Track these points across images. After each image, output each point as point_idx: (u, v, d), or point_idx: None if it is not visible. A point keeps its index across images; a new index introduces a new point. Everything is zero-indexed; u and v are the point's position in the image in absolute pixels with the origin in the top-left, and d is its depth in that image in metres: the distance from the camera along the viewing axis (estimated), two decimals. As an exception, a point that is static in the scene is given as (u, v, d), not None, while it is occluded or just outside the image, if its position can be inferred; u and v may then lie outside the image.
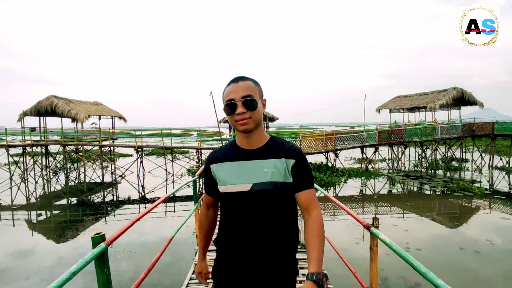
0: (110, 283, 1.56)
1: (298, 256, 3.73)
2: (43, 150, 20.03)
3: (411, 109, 25.55)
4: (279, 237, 1.21)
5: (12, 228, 9.73)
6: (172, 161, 19.46)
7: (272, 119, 25.90)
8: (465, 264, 6.33)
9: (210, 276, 1.36)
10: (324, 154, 17.92)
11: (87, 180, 17.97)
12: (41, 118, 21.61)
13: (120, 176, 18.51)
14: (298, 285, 3.06)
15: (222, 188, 1.25)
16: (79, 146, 20.56)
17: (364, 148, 18.05)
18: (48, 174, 18.94)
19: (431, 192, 13.24)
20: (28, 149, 19.51)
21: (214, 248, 1.34)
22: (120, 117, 25.38)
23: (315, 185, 3.71)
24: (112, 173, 19.07)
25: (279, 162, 1.21)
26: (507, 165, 18.76)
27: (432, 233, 8.27)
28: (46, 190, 15.57)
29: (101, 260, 1.52)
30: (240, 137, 1.26)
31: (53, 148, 22.97)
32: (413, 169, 19.20)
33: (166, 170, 18.92)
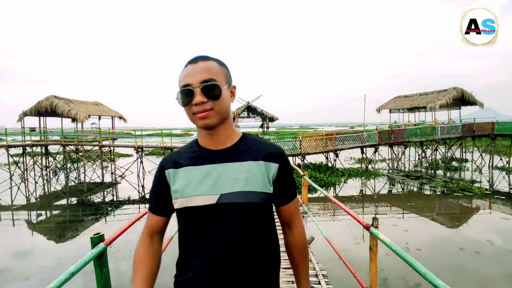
0: (109, 283, 1.56)
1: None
2: (43, 150, 20.02)
3: (411, 109, 25.55)
4: (260, 261, 0.95)
5: (12, 228, 9.73)
6: (172, 161, 19.41)
7: (272, 119, 25.89)
8: (465, 265, 6.33)
9: None
10: (324, 154, 17.92)
11: (87, 180, 17.97)
12: (41, 118, 21.60)
13: (120, 176, 18.51)
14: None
15: (178, 202, 0.94)
16: (79, 146, 20.56)
17: (364, 148, 18.04)
18: (48, 174, 18.94)
19: (431, 192, 13.24)
20: (28, 149, 19.51)
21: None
22: (120, 117, 25.37)
23: (315, 185, 3.70)
24: (112, 173, 19.07)
25: (256, 165, 0.94)
26: (507, 165, 18.76)
27: (432, 233, 8.27)
28: (46, 190, 15.57)
29: (100, 260, 1.52)
30: (203, 135, 0.98)
31: (53, 148, 22.95)
32: (413, 169, 19.19)
33: (166, 170, 18.87)
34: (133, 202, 12.72)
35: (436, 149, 19.40)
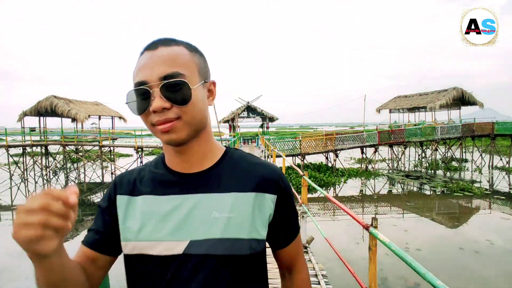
0: (108, 283, 1.56)
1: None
2: (43, 150, 20.02)
3: (411, 109, 25.55)
4: None
5: (12, 228, 9.73)
6: (172, 161, 19.43)
7: (272, 119, 25.89)
8: (465, 264, 6.33)
9: None
10: (324, 154, 17.92)
11: (87, 180, 17.98)
12: (41, 118, 21.60)
13: (120, 176, 18.49)
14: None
15: (129, 246, 0.65)
16: (79, 146, 20.56)
17: (364, 148, 18.05)
18: (48, 174, 18.95)
19: (431, 192, 13.24)
20: (28, 149, 19.51)
21: None
22: (120, 117, 25.37)
23: (315, 185, 3.69)
24: (112, 173, 19.07)
25: (243, 199, 0.66)
26: (507, 165, 18.77)
27: (432, 233, 8.27)
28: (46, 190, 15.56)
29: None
30: (169, 153, 0.69)
31: (53, 148, 22.94)
32: (413, 169, 19.20)
33: (166, 170, 18.89)
34: (133, 202, 12.73)
35: (436, 149, 19.40)
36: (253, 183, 0.67)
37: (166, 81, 0.59)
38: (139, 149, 18.65)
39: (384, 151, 24.39)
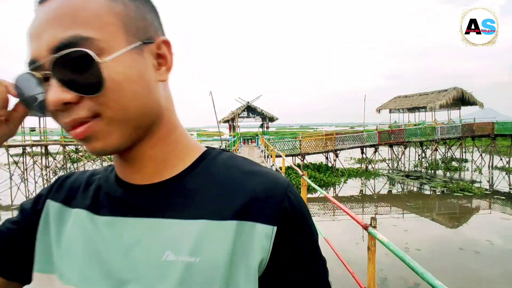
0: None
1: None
2: (43, 150, 20.04)
3: (411, 109, 25.55)
4: None
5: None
6: (172, 161, 19.44)
7: (272, 119, 25.88)
8: (465, 265, 6.33)
9: None
10: (324, 154, 17.92)
11: (87, 180, 17.96)
12: (41, 118, 21.61)
13: (120, 176, 18.52)
14: None
15: (37, 279, 0.43)
16: (79, 146, 20.57)
17: (364, 148, 18.05)
18: (48, 174, 18.95)
19: (431, 192, 13.24)
20: (28, 149, 19.52)
21: None
22: (120, 117, 25.40)
23: (314, 185, 3.67)
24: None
25: (217, 232, 0.39)
26: (507, 165, 18.76)
27: (431, 233, 8.27)
28: (46, 190, 15.57)
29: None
30: (114, 158, 0.46)
31: (53, 148, 22.96)
32: (413, 169, 19.20)
33: (166, 170, 18.90)
34: (133, 202, 12.74)
35: (436, 149, 19.40)
36: (236, 204, 0.39)
37: (57, 54, 0.33)
38: (139, 149, 18.67)
39: (384, 151, 24.39)
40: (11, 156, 18.31)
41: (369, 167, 18.54)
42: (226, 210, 0.39)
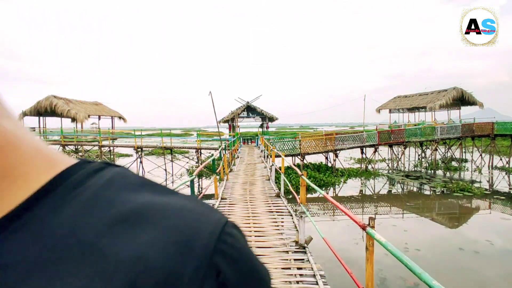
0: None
1: (296, 256, 3.72)
2: (43, 150, 20.02)
3: (411, 109, 25.55)
4: None
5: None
6: (172, 161, 19.45)
7: (271, 119, 25.86)
8: (464, 265, 6.31)
9: None
10: (324, 154, 17.91)
11: (87, 180, 17.95)
12: (41, 118, 21.62)
13: (120, 176, 18.50)
14: (295, 285, 3.05)
15: None
16: (79, 146, 20.57)
17: (364, 148, 18.04)
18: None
19: (431, 192, 13.23)
20: (28, 149, 19.51)
21: None
22: (120, 117, 25.39)
23: (313, 185, 3.67)
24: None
25: None
26: (507, 165, 18.75)
27: (431, 233, 8.26)
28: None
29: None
30: None
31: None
32: (413, 169, 19.19)
33: (165, 170, 18.91)
34: (133, 202, 12.72)
35: (436, 149, 19.39)
36: (120, 272, 0.21)
37: None
38: (139, 149, 18.66)
39: (384, 151, 24.39)
40: (11, 156, 18.29)
41: (369, 167, 18.53)
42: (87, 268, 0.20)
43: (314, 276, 3.23)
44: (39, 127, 21.84)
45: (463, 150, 21.02)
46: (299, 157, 16.45)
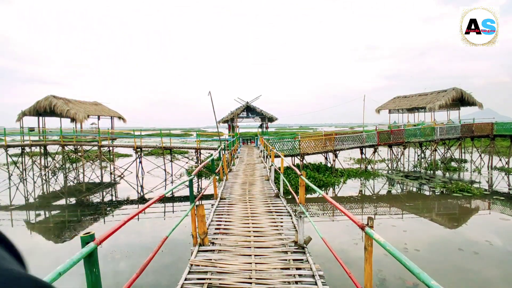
0: (100, 284, 1.54)
1: (295, 256, 3.71)
2: (42, 150, 20.00)
3: (411, 110, 25.54)
4: None
5: (11, 228, 9.69)
6: (171, 161, 19.43)
7: (271, 119, 25.86)
8: (464, 265, 6.30)
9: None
10: (323, 154, 17.90)
11: (86, 180, 17.93)
12: (40, 118, 21.57)
13: (119, 176, 18.48)
14: (294, 286, 3.04)
15: None
16: (78, 146, 20.53)
17: (364, 149, 18.04)
18: (47, 174, 18.91)
19: (430, 192, 13.22)
20: (27, 149, 19.48)
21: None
22: (120, 117, 25.35)
23: (312, 185, 3.65)
24: (111, 173, 19.05)
25: None
26: (506, 166, 18.75)
27: (431, 233, 8.25)
28: (45, 190, 15.53)
29: (90, 260, 1.49)
30: None
31: (52, 148, 22.93)
32: (412, 170, 19.17)
33: (165, 170, 18.89)
34: (132, 202, 12.69)
35: (435, 150, 19.38)
36: None
37: None
38: (138, 149, 18.63)
39: (383, 151, 24.37)
40: (10, 156, 18.26)
41: (369, 167, 18.52)
42: None
43: (313, 276, 3.22)
44: (39, 127, 21.79)
45: (463, 151, 21.02)
46: (299, 157, 16.44)
